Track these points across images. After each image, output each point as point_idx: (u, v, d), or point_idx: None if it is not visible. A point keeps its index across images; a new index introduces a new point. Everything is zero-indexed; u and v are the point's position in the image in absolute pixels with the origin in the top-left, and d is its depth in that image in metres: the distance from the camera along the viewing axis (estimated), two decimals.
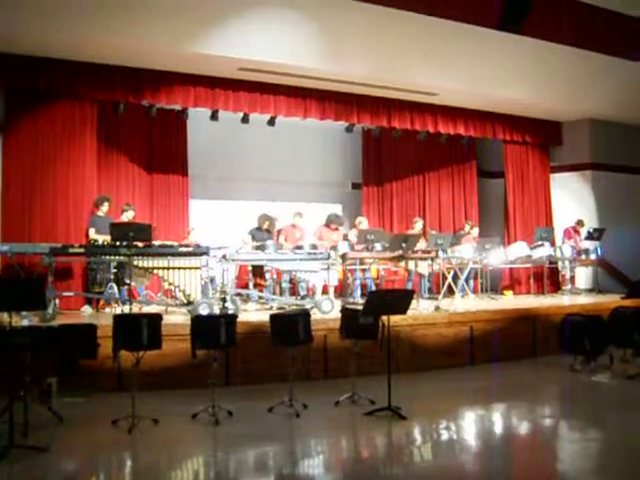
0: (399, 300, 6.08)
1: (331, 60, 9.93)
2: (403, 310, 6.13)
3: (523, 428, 6.04)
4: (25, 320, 7.23)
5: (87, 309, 9.04)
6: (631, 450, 5.11)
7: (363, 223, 11.49)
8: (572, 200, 13.32)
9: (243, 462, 5.01)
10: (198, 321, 6.05)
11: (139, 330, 5.57)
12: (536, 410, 6.53)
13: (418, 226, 11.82)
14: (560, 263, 12.43)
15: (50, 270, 7.96)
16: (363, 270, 10.80)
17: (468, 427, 6.03)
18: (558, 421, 6.34)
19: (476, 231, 12.52)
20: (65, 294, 8.77)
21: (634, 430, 5.64)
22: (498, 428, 6.05)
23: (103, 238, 8.66)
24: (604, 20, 10.69)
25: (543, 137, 13.43)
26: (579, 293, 12.27)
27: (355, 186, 13.87)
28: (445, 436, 5.71)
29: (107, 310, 8.99)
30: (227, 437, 5.52)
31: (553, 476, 4.68)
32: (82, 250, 8.21)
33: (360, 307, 6.40)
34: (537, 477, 4.58)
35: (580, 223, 12.65)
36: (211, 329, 5.88)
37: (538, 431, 5.89)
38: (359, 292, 10.68)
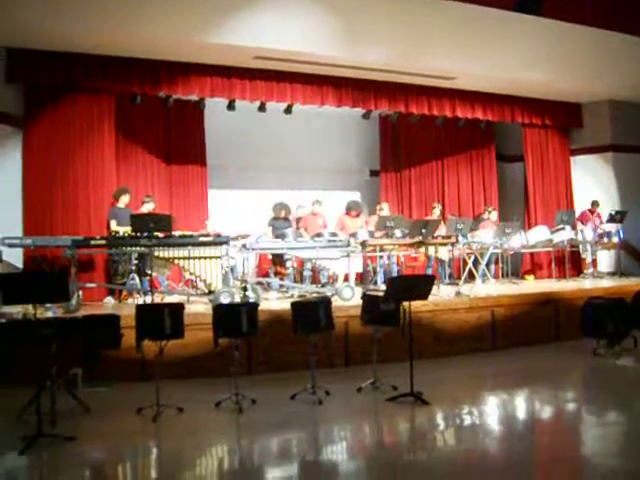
0: (420, 285, 6.07)
1: (347, 47, 9.88)
2: (424, 295, 6.12)
3: (546, 413, 6.01)
4: (50, 312, 7.32)
5: (110, 300, 9.13)
6: None
7: (385, 209, 11.46)
8: (593, 182, 13.16)
9: (267, 449, 5.05)
10: (220, 310, 6.07)
11: (162, 320, 5.61)
12: (559, 394, 6.49)
13: (437, 211, 11.77)
14: (581, 246, 12.29)
15: (73, 262, 8.04)
16: (385, 257, 10.78)
17: (491, 412, 6.02)
18: (581, 405, 6.30)
19: (495, 215, 12.42)
20: (88, 285, 8.86)
21: None
22: (521, 413, 6.03)
23: (124, 230, 8.73)
24: None
25: (563, 119, 13.27)
26: (601, 277, 12.15)
27: (373, 173, 13.82)
28: (468, 421, 5.69)
29: (129, 301, 9.07)
30: (251, 424, 5.56)
31: (577, 460, 4.66)
32: (103, 242, 8.27)
33: (381, 293, 6.40)
34: (561, 461, 4.55)
35: (595, 204, 12.50)
36: (233, 318, 5.91)
37: (561, 415, 5.86)
38: (381, 279, 10.65)
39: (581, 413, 6.02)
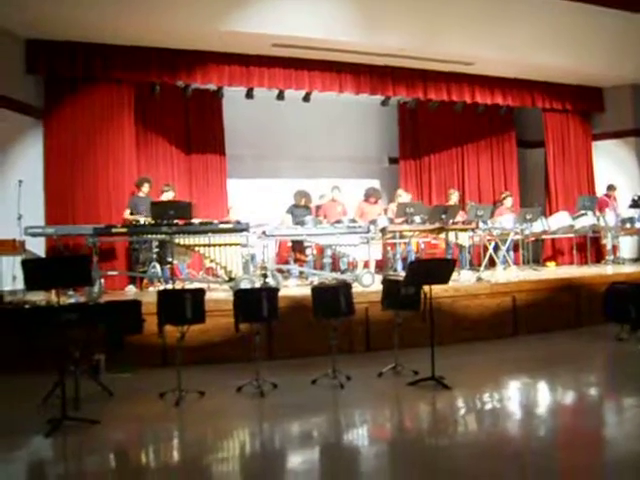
0: (440, 269, 6.04)
1: (365, 33, 9.85)
2: (445, 279, 6.09)
3: (569, 397, 5.96)
4: (72, 300, 7.40)
5: (131, 288, 9.20)
6: None
7: (402, 196, 11.41)
8: (615, 167, 13.01)
9: (289, 432, 5.06)
10: (240, 295, 6.09)
11: (183, 305, 5.64)
12: (581, 379, 6.45)
13: (454, 198, 11.69)
14: (603, 232, 12.15)
15: (95, 250, 8.11)
16: (404, 243, 10.74)
17: (513, 396, 5.97)
18: (603, 389, 6.25)
19: (510, 201, 12.16)
20: (110, 273, 8.95)
21: None
22: (543, 397, 5.98)
23: (142, 218, 8.80)
24: None
25: (584, 104, 13.11)
26: (623, 263, 12.01)
27: (392, 161, 13.79)
28: (490, 405, 5.67)
29: (150, 289, 9.13)
30: (272, 408, 5.59)
31: (600, 444, 4.63)
32: (125, 230, 8.33)
33: (401, 278, 6.38)
34: (584, 445, 4.53)
35: (611, 188, 12.34)
36: (253, 302, 5.93)
37: (583, 400, 5.82)
38: (400, 265, 10.62)
39: (603, 397, 5.96)
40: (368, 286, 8.46)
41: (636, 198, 11.80)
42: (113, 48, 9.32)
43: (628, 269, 10.83)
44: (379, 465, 4.38)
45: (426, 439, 4.94)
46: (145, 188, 9.62)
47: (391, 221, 10.07)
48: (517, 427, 5.06)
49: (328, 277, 9.31)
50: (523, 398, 5.91)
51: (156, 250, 9.04)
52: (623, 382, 6.28)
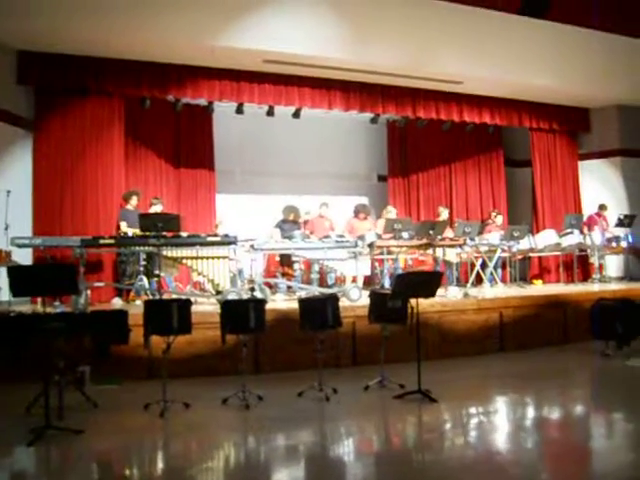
0: (427, 282, 6.06)
1: (356, 50, 9.94)
2: (432, 293, 6.11)
3: (555, 411, 5.97)
4: (58, 310, 7.35)
5: (118, 301, 9.16)
6: None
7: (391, 212, 11.46)
8: (601, 187, 13.14)
9: (274, 444, 5.03)
10: (227, 306, 6.09)
11: (169, 315, 5.63)
12: (567, 394, 6.48)
13: (444, 215, 11.76)
14: (589, 251, 12.24)
15: (81, 262, 8.08)
16: (392, 260, 10.76)
17: (499, 410, 5.99)
18: (590, 404, 6.28)
19: (500, 219, 12.32)
20: (96, 285, 8.91)
21: None
22: (529, 412, 5.98)
23: (133, 231, 8.78)
24: (631, 2, 10.57)
25: (570, 124, 13.26)
26: (609, 281, 12.09)
27: (381, 178, 13.85)
28: (476, 418, 5.68)
29: (137, 302, 9.08)
30: (258, 420, 5.56)
31: (586, 457, 4.64)
32: (112, 241, 8.31)
33: (389, 292, 6.40)
34: (570, 458, 4.54)
35: (602, 207, 12.48)
36: (240, 313, 5.92)
37: (570, 414, 5.84)
38: (388, 282, 10.62)
39: (588, 412, 5.99)
40: (355, 300, 8.47)
41: (622, 217, 11.92)
42: (104, 61, 9.34)
43: (614, 287, 10.91)
44: (364, 477, 4.36)
45: (412, 452, 4.94)
46: (133, 201, 9.61)
47: (379, 237, 10.09)
48: (503, 440, 5.06)
49: (316, 292, 9.31)
50: (509, 412, 5.92)
51: (143, 263, 9.01)
52: (609, 397, 6.33)
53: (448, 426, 5.47)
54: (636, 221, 11.90)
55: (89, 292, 8.26)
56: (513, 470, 4.31)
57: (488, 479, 4.16)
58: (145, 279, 8.93)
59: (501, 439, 5.08)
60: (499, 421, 5.60)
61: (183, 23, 8.86)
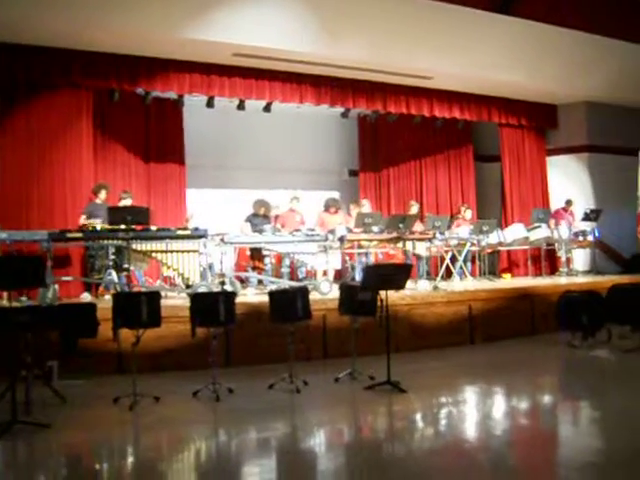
0: (397, 274, 6.10)
1: (326, 44, 9.93)
2: (401, 285, 6.15)
3: (522, 401, 6.06)
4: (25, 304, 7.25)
5: (86, 296, 9.04)
6: (624, 418, 5.15)
7: (365, 206, 11.50)
8: (568, 182, 13.35)
9: (245, 436, 5.04)
10: (197, 298, 6.07)
11: (139, 307, 5.59)
12: (535, 383, 6.59)
13: (414, 210, 11.83)
14: (557, 245, 12.43)
15: (49, 256, 7.97)
16: (363, 254, 10.81)
17: (468, 400, 6.06)
18: (557, 393, 6.40)
19: (469, 214, 12.44)
20: (64, 279, 8.79)
21: (629, 400, 5.66)
22: (498, 401, 6.08)
23: (99, 224, 8.69)
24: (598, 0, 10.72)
25: (539, 120, 13.45)
26: (576, 274, 12.28)
27: (352, 173, 13.87)
28: (445, 407, 5.75)
29: (107, 297, 8.99)
30: (228, 412, 5.57)
31: (552, 445, 4.72)
32: (80, 235, 8.22)
33: (359, 284, 6.43)
34: (536, 446, 4.61)
35: (569, 202, 12.69)
36: (210, 306, 5.91)
37: (537, 403, 5.93)
38: (359, 276, 10.67)
39: (555, 400, 6.10)
40: (326, 294, 8.50)
41: (588, 212, 12.13)
42: (72, 53, 9.19)
43: (581, 280, 11.09)
44: (335, 468, 4.38)
45: (383, 441, 4.96)
46: (102, 195, 9.49)
47: (350, 231, 10.12)
48: (472, 427, 5.13)
49: (286, 285, 9.31)
50: (478, 401, 6.00)
51: (112, 257, 8.90)
52: (574, 386, 6.46)
53: (418, 415, 5.54)
54: (602, 216, 12.12)
55: (57, 287, 8.14)
56: (481, 456, 4.37)
57: (457, 465, 4.21)
58: (114, 273, 8.83)
59: (470, 427, 5.14)
60: (468, 410, 5.67)
61: (153, 15, 8.77)
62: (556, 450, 4.60)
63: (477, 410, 5.66)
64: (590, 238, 12.18)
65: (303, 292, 6.32)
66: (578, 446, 4.50)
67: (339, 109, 11.93)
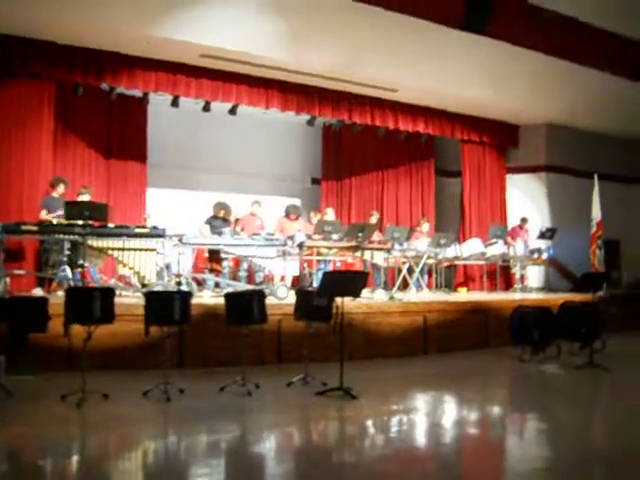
0: (353, 282, 6.14)
1: (294, 51, 9.99)
2: (357, 292, 6.19)
3: (472, 411, 6.13)
4: None
5: (38, 291, 8.85)
6: (568, 429, 5.27)
7: (329, 214, 11.54)
8: (526, 200, 13.65)
9: (194, 437, 4.98)
10: (152, 297, 6.00)
11: (91, 303, 5.50)
12: (485, 394, 6.68)
13: (374, 219, 11.91)
14: (512, 261, 12.66)
15: (1, 248, 7.80)
16: (321, 261, 10.83)
17: (419, 408, 6.12)
18: (505, 404, 6.49)
19: (427, 226, 12.55)
20: (16, 272, 8.61)
21: (573, 413, 5.79)
22: (448, 410, 6.14)
23: (55, 218, 8.53)
24: (566, 27, 10.94)
25: (500, 138, 13.73)
26: (530, 291, 12.51)
27: (314, 181, 13.94)
28: (396, 414, 5.77)
29: (59, 293, 8.83)
30: (178, 413, 5.52)
31: (498, 453, 4.79)
32: (35, 228, 8.05)
33: (315, 290, 6.44)
34: (483, 455, 4.68)
35: (524, 220, 12.96)
36: (165, 305, 5.84)
37: (486, 413, 6.01)
38: (316, 283, 10.69)
39: (503, 411, 6.19)
40: (283, 299, 8.48)
41: (544, 230, 12.38)
42: (34, 42, 9.02)
43: (534, 296, 11.30)
44: (284, 471, 4.37)
45: (332, 446, 4.97)
46: (60, 189, 9.33)
47: (309, 237, 10.14)
48: (422, 435, 5.18)
49: (243, 289, 9.27)
50: (429, 409, 6.06)
51: (67, 252, 8.73)
52: (522, 398, 6.59)
53: (369, 422, 5.55)
54: (557, 235, 12.38)
55: (8, 280, 7.97)
56: (430, 463, 4.42)
57: (407, 471, 4.24)
58: (68, 269, 8.65)
59: (420, 435, 5.19)
60: (418, 418, 5.72)
61: (120, 10, 8.65)
62: (503, 458, 4.68)
63: (427, 418, 5.71)
64: (545, 256, 12.43)
65: (260, 296, 6.31)
66: (523, 454, 4.61)
67: (305, 116, 11.97)
